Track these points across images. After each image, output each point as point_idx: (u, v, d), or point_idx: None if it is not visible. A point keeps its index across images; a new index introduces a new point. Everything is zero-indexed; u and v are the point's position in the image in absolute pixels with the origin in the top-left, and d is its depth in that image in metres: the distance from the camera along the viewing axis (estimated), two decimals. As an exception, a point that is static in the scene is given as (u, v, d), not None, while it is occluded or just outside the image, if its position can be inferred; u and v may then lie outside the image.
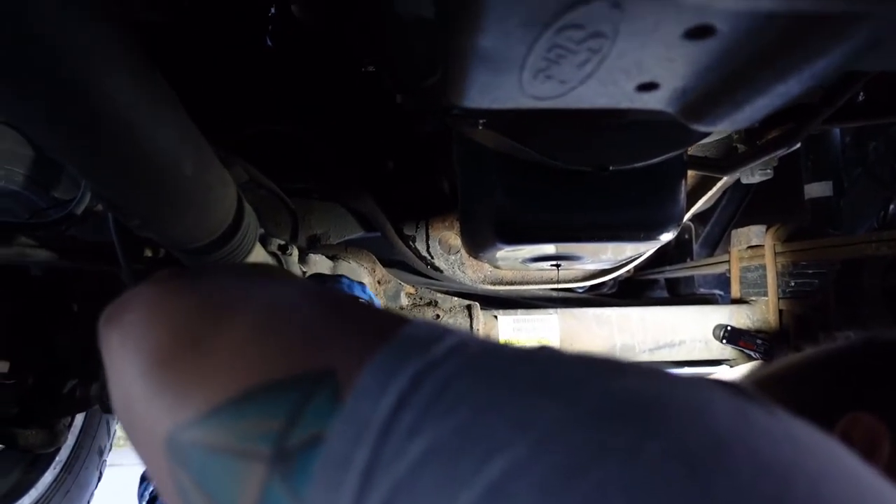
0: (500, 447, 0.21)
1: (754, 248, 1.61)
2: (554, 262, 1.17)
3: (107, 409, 0.94)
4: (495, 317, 1.49)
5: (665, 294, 2.16)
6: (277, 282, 0.37)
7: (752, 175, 1.48)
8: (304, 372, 0.27)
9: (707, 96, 0.54)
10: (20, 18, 0.37)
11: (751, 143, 1.24)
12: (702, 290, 2.12)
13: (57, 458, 1.71)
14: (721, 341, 1.42)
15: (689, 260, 2.03)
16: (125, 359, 0.34)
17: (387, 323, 0.29)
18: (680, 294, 2.08)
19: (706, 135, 0.88)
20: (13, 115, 0.45)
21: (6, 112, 0.45)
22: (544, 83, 0.53)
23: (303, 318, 0.31)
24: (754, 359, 1.40)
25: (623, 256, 1.27)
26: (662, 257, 2.02)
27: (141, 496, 1.17)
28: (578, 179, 0.95)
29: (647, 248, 1.28)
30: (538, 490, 0.20)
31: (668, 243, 1.83)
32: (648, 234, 1.01)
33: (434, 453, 0.22)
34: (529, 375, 0.24)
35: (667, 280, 2.14)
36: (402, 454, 0.22)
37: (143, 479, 1.16)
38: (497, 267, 1.43)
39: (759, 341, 1.36)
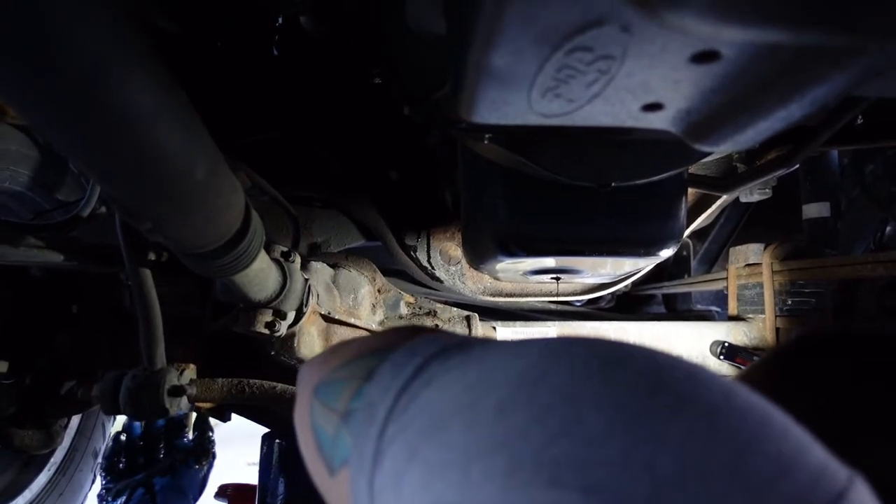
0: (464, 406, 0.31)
1: (752, 265, 1.62)
2: (554, 276, 1.18)
3: (107, 410, 0.94)
4: (494, 328, 1.50)
5: (662, 309, 2.17)
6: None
7: (751, 194, 1.50)
8: (376, 352, 0.42)
9: (711, 118, 0.55)
10: (45, 20, 0.38)
11: (750, 162, 1.26)
12: (699, 307, 2.13)
13: (52, 460, 1.71)
14: (718, 357, 1.43)
15: (686, 276, 2.05)
16: (304, 374, 0.53)
17: (406, 333, 0.44)
18: (677, 310, 2.10)
19: (707, 154, 0.90)
20: (33, 117, 0.46)
21: (26, 115, 0.46)
22: (552, 101, 0.55)
23: (383, 338, 0.47)
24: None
25: (622, 271, 1.28)
26: (660, 273, 2.04)
27: None
28: (581, 195, 0.97)
29: (647, 264, 1.29)
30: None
31: (667, 259, 1.85)
32: (649, 249, 1.02)
33: (421, 434, 0.31)
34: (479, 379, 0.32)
35: (664, 296, 2.15)
36: (403, 418, 0.33)
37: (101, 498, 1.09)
38: (497, 279, 1.44)
39: (755, 359, 1.36)
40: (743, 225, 2.22)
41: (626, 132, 0.75)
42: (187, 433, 1.05)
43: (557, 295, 1.50)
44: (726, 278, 1.72)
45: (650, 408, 0.25)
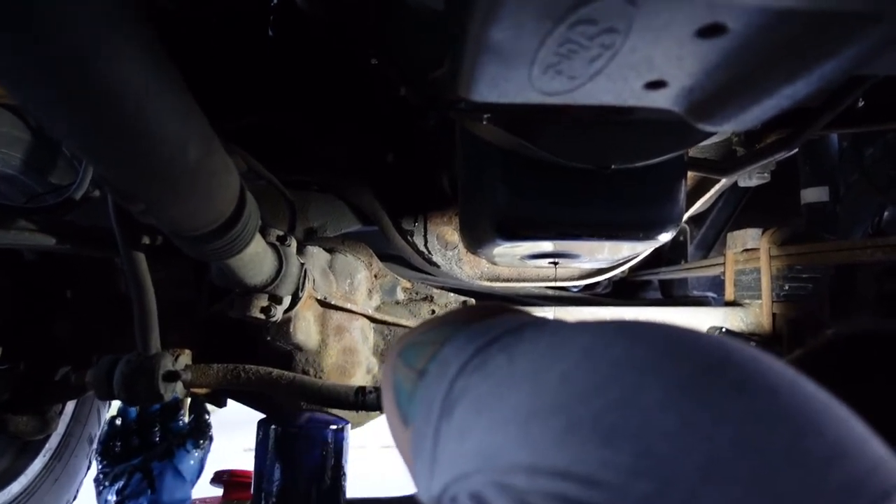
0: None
1: (749, 251, 1.61)
2: (552, 260, 1.18)
3: (101, 395, 0.93)
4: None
5: (659, 295, 2.17)
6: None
7: (750, 178, 1.49)
8: (457, 322, 0.46)
9: (715, 96, 0.54)
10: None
11: (750, 146, 1.25)
12: (695, 293, 2.13)
13: (47, 446, 1.70)
14: None
15: (683, 262, 2.04)
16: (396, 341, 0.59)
17: (488, 311, 0.48)
18: (673, 295, 2.09)
19: (708, 136, 0.89)
20: (22, 94, 0.44)
21: (16, 93, 0.44)
22: (553, 78, 0.53)
23: (471, 311, 0.51)
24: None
25: (620, 256, 1.27)
26: (657, 258, 2.03)
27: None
28: (580, 177, 0.96)
29: (645, 248, 1.28)
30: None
31: (664, 244, 1.84)
32: (648, 233, 1.02)
33: (480, 401, 0.34)
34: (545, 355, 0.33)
35: (661, 281, 2.15)
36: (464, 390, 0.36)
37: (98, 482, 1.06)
38: (494, 263, 1.43)
39: (752, 344, 1.36)
40: (741, 209, 2.22)
41: (628, 112, 0.74)
42: (182, 417, 1.04)
43: (555, 280, 1.50)
44: (724, 263, 1.71)
45: (712, 384, 0.25)
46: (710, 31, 0.44)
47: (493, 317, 0.44)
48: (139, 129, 0.48)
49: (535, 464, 0.26)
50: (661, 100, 0.58)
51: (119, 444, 0.92)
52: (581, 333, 0.33)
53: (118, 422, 0.91)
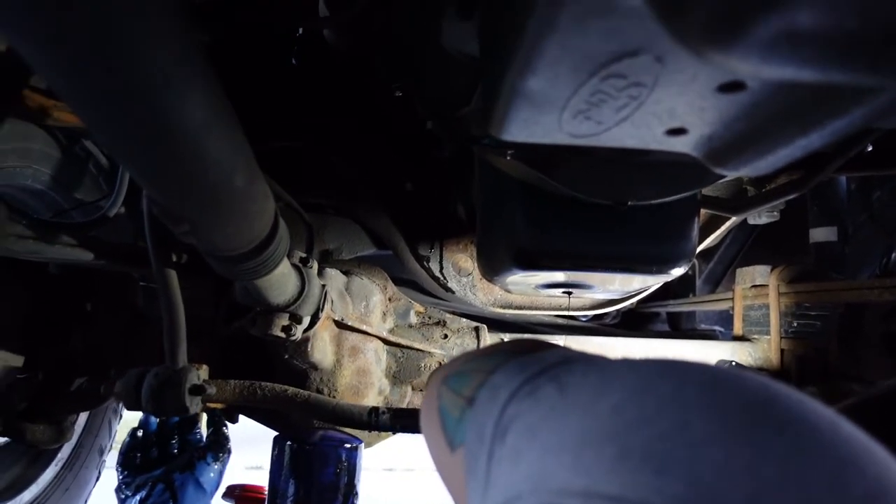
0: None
1: (758, 287, 1.64)
2: (566, 290, 1.21)
3: (130, 406, 0.96)
4: (502, 339, 1.52)
5: (666, 327, 2.19)
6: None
7: (760, 217, 1.52)
8: (505, 353, 0.49)
9: (732, 144, 0.58)
10: (117, 29, 0.40)
11: (760, 185, 1.29)
12: (702, 326, 2.15)
13: (59, 455, 1.73)
14: None
15: (691, 295, 2.07)
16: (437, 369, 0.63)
17: (532, 345, 0.51)
18: (681, 328, 2.11)
19: (722, 177, 0.92)
20: (93, 121, 0.48)
21: (88, 119, 0.48)
22: (582, 123, 0.57)
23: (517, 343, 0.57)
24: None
25: (631, 288, 1.30)
26: (666, 291, 2.05)
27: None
28: (597, 212, 0.99)
29: (657, 282, 1.31)
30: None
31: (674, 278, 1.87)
32: (661, 268, 1.05)
33: (531, 431, 0.36)
34: (600, 388, 0.35)
35: (668, 314, 2.17)
36: (512, 420, 0.38)
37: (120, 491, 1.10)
38: (508, 291, 1.46)
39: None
40: (749, 246, 2.25)
41: (646, 153, 0.78)
42: (199, 430, 1.07)
43: (567, 309, 1.52)
44: (732, 298, 1.74)
45: (757, 421, 0.27)
46: (730, 88, 0.48)
47: (539, 350, 0.46)
48: (197, 158, 0.52)
49: (589, 488, 0.28)
50: (680, 145, 0.61)
51: (140, 455, 0.94)
52: (630, 370, 0.35)
53: (139, 433, 0.93)
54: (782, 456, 0.25)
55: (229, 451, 0.97)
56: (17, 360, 1.44)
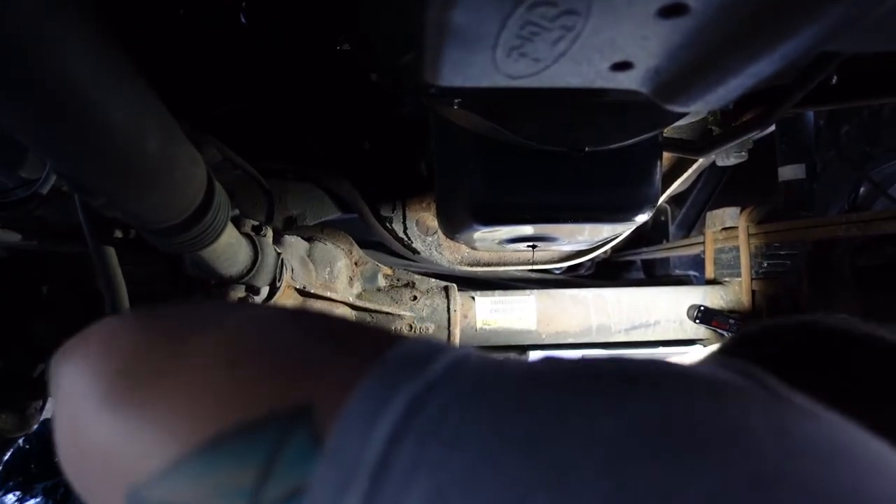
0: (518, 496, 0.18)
1: (728, 229, 1.62)
2: (530, 244, 1.18)
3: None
4: (472, 298, 1.50)
5: (641, 275, 2.18)
6: (253, 305, 0.35)
7: (728, 157, 1.49)
8: (278, 408, 0.23)
9: (680, 76, 0.54)
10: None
11: (726, 125, 1.25)
12: (677, 272, 2.15)
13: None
14: (695, 321, 1.44)
15: (665, 242, 2.05)
16: (77, 398, 0.29)
17: (373, 343, 0.25)
18: (656, 275, 2.11)
19: (681, 116, 0.88)
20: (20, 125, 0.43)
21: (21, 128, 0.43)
22: (518, 61, 0.53)
23: (279, 339, 0.28)
24: (726, 338, 1.42)
25: (599, 238, 1.27)
26: (639, 239, 2.04)
27: None
28: (554, 161, 0.95)
29: (623, 230, 1.28)
30: None
31: (645, 225, 1.85)
32: (624, 215, 1.02)
33: (442, 497, 0.19)
34: (543, 403, 0.21)
35: (643, 262, 2.16)
36: (401, 500, 0.19)
37: None
38: (474, 248, 1.43)
39: (731, 321, 1.38)
40: (720, 189, 2.23)
41: (598, 94, 0.73)
42: None
43: (534, 263, 1.50)
44: (703, 243, 1.72)
45: (682, 459, 0.19)
46: (671, 11, 0.44)
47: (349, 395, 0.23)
48: (88, 120, 0.46)
49: None
50: (628, 81, 0.57)
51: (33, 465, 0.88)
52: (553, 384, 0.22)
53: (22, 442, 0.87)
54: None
55: None
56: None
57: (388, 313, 1.46)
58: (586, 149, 0.86)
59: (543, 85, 0.58)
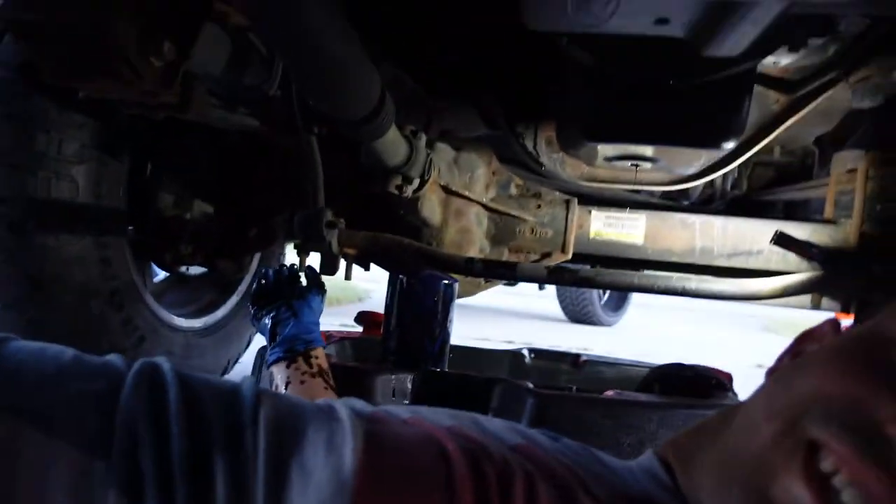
0: None
1: (851, 171, 1.67)
2: (633, 162, 1.39)
3: (287, 237, 1.32)
4: (589, 212, 1.73)
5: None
6: None
7: (862, 100, 1.54)
8: None
9: (704, 27, 0.75)
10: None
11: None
12: (817, 217, 2.17)
13: (240, 287, 2.24)
14: (770, 243, 1.55)
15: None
16: None
17: None
18: (796, 218, 2.14)
19: (762, 56, 1.04)
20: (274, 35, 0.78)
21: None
22: (586, 14, 0.77)
23: None
24: (813, 266, 1.53)
25: (697, 163, 1.44)
26: (782, 181, 2.09)
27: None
28: (651, 92, 1.16)
29: (713, 156, 1.42)
30: None
31: (791, 166, 1.92)
32: (711, 140, 1.19)
33: None
34: None
35: (784, 204, 2.20)
36: None
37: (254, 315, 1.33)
38: (583, 162, 1.64)
39: (813, 249, 1.48)
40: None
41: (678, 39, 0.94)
42: (301, 281, 1.37)
43: (637, 183, 1.68)
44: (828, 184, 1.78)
45: None
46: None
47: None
48: (328, 56, 0.81)
49: None
50: (670, 31, 0.79)
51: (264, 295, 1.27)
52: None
53: (263, 282, 1.27)
54: None
55: (325, 290, 1.29)
56: (209, 209, 1.89)
57: (514, 216, 1.75)
58: (671, 82, 1.06)
59: (611, 31, 0.81)
